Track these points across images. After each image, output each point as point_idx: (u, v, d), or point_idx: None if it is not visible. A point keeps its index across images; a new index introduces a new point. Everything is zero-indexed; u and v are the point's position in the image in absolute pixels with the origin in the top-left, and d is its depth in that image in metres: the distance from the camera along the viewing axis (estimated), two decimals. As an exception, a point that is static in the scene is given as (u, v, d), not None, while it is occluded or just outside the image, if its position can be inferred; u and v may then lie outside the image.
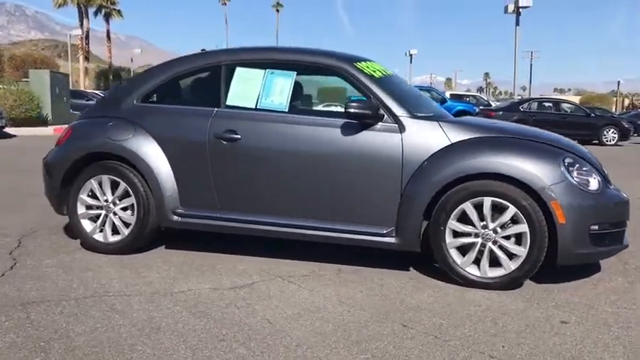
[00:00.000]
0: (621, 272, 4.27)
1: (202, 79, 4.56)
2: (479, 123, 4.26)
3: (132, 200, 4.39)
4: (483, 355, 2.83)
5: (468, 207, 3.79)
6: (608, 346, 2.97)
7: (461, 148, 3.84)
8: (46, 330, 3.02)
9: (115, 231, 4.48)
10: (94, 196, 4.51)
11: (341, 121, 4.06)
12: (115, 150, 4.38)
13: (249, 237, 4.41)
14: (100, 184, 4.46)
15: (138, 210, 4.37)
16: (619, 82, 70.52)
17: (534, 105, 20.86)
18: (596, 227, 3.76)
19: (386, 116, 4.00)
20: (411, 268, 4.25)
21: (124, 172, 4.39)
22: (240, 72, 4.34)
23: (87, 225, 4.53)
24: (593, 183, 3.83)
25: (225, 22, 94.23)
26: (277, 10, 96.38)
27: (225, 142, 4.20)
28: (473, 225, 3.81)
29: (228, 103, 4.30)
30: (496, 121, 4.53)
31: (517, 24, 27.43)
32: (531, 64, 71.05)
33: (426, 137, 3.93)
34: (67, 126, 4.80)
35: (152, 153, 4.34)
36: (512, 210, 3.72)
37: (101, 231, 4.51)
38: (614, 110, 45.28)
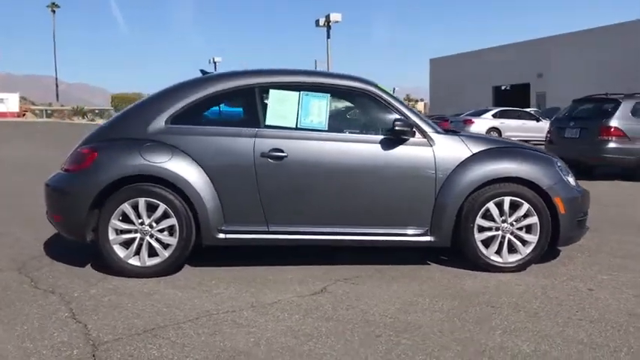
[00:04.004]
0: (576, 249, 5.38)
1: (236, 101, 4.73)
2: (485, 137, 5.11)
3: (172, 222, 4.42)
4: (573, 320, 3.63)
5: (491, 206, 4.60)
6: (637, 302, 3.97)
7: (483, 158, 4.63)
8: (215, 348, 3.13)
9: (151, 254, 4.46)
10: (125, 219, 4.43)
11: (377, 137, 4.61)
12: (157, 172, 4.38)
13: (258, 247, 4.80)
14: (135, 208, 4.41)
15: (180, 231, 4.42)
16: (394, 88, 78.22)
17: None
18: (579, 215, 4.82)
19: (417, 132, 4.63)
20: (430, 262, 4.92)
21: (162, 194, 4.40)
22: (274, 94, 4.64)
23: (119, 250, 4.44)
24: (572, 180, 4.89)
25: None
26: (53, 11, 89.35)
27: (272, 160, 4.47)
28: (494, 220, 4.62)
29: (268, 123, 4.57)
30: (491, 136, 5.40)
31: (328, 37, 29.67)
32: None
33: (452, 149, 4.65)
34: (81, 149, 4.58)
35: (194, 173, 4.43)
36: (525, 206, 4.60)
37: (135, 255, 4.45)
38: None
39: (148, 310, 3.75)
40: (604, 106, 11.22)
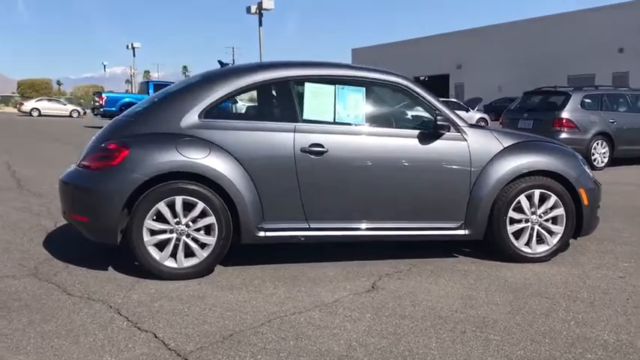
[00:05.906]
0: (587, 240, 5.54)
1: (270, 94, 4.57)
2: (512, 131, 5.21)
3: (210, 220, 4.22)
4: (630, 307, 3.78)
5: (522, 198, 4.71)
6: (672, 288, 4.21)
7: (515, 151, 4.72)
8: (312, 352, 3.02)
9: (187, 254, 4.25)
10: (160, 219, 4.19)
11: (415, 131, 4.60)
12: (196, 169, 4.16)
13: (283, 244, 4.66)
14: (171, 206, 4.18)
15: (219, 230, 4.23)
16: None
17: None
18: (596, 206, 5.03)
19: (451, 127, 4.65)
20: (457, 255, 4.98)
21: (201, 192, 4.19)
22: (309, 87, 4.51)
23: (154, 252, 4.19)
24: (590, 172, 5.08)
25: None
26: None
27: (312, 156, 4.36)
28: (524, 213, 4.74)
29: (305, 117, 4.45)
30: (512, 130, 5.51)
31: (260, 24, 29.26)
32: (233, 60, 75.39)
33: (485, 143, 4.71)
34: (107, 145, 4.27)
35: (233, 170, 4.25)
36: (553, 198, 4.75)
37: (171, 256, 4.22)
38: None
39: (210, 315, 3.57)
40: (555, 98, 11.77)
